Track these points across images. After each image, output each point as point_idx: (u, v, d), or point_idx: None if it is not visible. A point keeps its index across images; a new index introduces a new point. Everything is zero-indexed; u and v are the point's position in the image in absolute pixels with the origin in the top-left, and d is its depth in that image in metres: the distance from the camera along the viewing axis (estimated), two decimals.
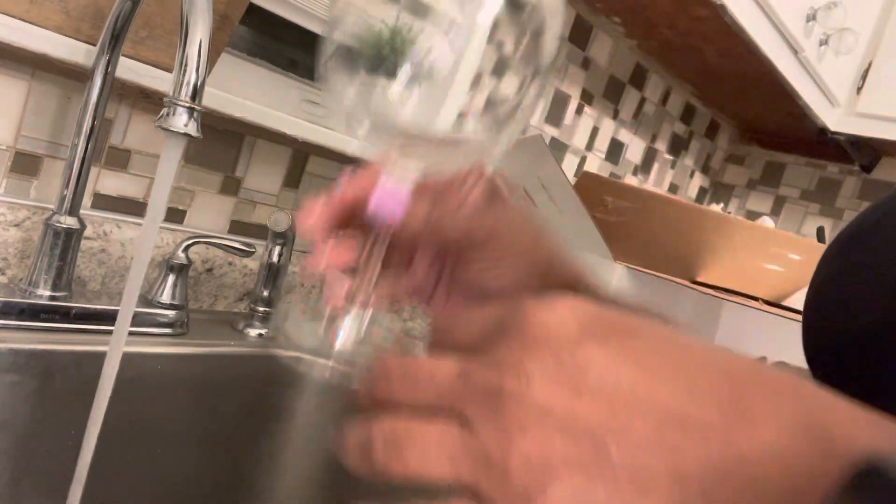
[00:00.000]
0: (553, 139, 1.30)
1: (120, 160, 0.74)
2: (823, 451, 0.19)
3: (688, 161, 1.70)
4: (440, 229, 0.35)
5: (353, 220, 0.34)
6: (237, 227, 0.86)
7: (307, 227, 0.33)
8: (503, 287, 0.37)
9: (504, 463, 0.21)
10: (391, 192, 0.30)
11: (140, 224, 0.75)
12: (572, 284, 0.38)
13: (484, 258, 0.37)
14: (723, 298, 0.62)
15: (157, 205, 0.50)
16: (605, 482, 0.20)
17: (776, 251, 0.79)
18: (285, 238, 0.79)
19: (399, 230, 0.32)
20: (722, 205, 1.59)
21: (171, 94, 0.48)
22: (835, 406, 0.21)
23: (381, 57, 0.27)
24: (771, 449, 0.20)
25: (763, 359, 0.39)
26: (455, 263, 0.38)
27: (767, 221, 1.06)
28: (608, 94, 1.37)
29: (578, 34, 1.24)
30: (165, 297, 0.71)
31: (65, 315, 0.63)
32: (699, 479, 0.20)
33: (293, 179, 0.90)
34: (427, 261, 0.38)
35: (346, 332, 0.31)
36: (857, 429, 0.20)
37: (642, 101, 1.46)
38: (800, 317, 0.36)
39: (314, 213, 0.33)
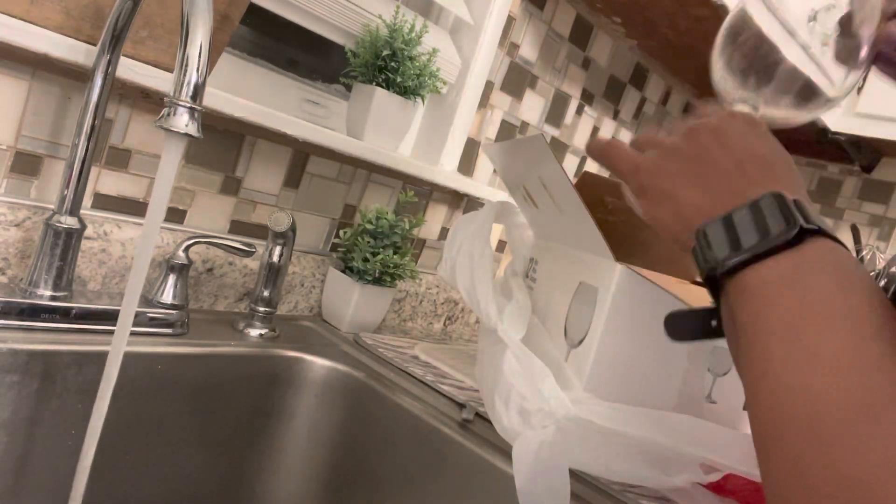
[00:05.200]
0: (553, 139, 1.30)
1: (120, 160, 0.74)
2: (772, 189, 0.37)
3: None
4: None
5: None
6: (237, 227, 0.86)
7: None
8: None
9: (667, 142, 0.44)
10: None
11: (140, 224, 0.75)
12: None
13: None
14: None
15: (158, 205, 0.50)
16: (680, 181, 0.42)
17: None
18: (285, 238, 0.79)
19: None
20: None
21: (171, 94, 0.48)
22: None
23: None
24: (752, 193, 0.37)
25: None
26: None
27: None
28: (608, 94, 1.37)
29: (579, 34, 1.24)
30: (166, 297, 0.71)
31: (65, 315, 0.63)
32: (712, 199, 0.39)
33: (293, 179, 0.90)
34: None
35: None
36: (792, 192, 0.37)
37: (642, 101, 1.46)
38: None
39: None
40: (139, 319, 0.67)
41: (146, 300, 0.71)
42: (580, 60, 1.27)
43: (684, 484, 0.53)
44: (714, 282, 0.36)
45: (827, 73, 0.45)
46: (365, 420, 0.75)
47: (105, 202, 0.74)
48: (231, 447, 0.74)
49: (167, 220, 0.79)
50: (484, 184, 1.16)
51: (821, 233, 0.33)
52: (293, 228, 0.78)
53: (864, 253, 1.18)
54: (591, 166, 1.42)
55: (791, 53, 0.44)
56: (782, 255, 0.33)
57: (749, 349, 0.32)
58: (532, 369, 0.56)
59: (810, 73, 0.45)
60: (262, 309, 0.79)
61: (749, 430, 0.32)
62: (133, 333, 0.56)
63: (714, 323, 0.38)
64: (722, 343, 0.37)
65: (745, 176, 0.39)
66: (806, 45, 0.43)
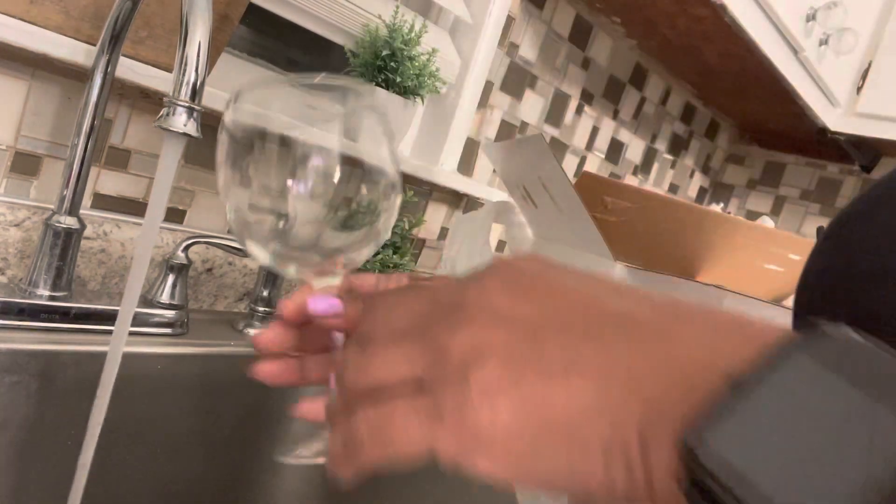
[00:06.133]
0: (553, 139, 1.30)
1: (120, 160, 0.74)
2: (747, 335, 0.20)
3: (688, 161, 1.70)
4: None
5: (305, 341, 0.35)
6: None
7: (260, 345, 0.34)
8: None
9: (447, 350, 0.23)
10: (323, 296, 0.33)
11: (140, 224, 0.75)
12: None
13: None
14: (724, 290, 0.62)
15: (157, 205, 0.50)
16: (535, 369, 0.22)
17: (776, 251, 0.79)
18: None
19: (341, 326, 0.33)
20: (722, 205, 1.59)
21: (170, 93, 0.48)
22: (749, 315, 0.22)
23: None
24: (698, 340, 0.21)
25: None
26: None
27: (767, 221, 1.06)
28: (608, 94, 1.37)
29: (578, 34, 1.24)
30: (165, 297, 0.71)
31: (65, 315, 0.63)
32: (627, 371, 0.21)
33: None
34: None
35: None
36: (770, 323, 0.21)
37: (642, 101, 1.46)
38: None
39: (268, 333, 0.34)
40: (138, 319, 0.67)
41: (146, 300, 0.71)
42: (580, 60, 1.27)
43: None
44: None
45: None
46: None
47: (104, 202, 0.74)
48: (231, 447, 0.74)
49: (167, 219, 0.79)
50: (484, 184, 1.16)
51: None
52: None
53: None
54: (591, 166, 1.42)
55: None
56: None
57: None
58: None
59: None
60: (261, 309, 0.79)
61: None
62: (132, 333, 0.56)
63: None
64: None
65: (663, 330, 0.22)
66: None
